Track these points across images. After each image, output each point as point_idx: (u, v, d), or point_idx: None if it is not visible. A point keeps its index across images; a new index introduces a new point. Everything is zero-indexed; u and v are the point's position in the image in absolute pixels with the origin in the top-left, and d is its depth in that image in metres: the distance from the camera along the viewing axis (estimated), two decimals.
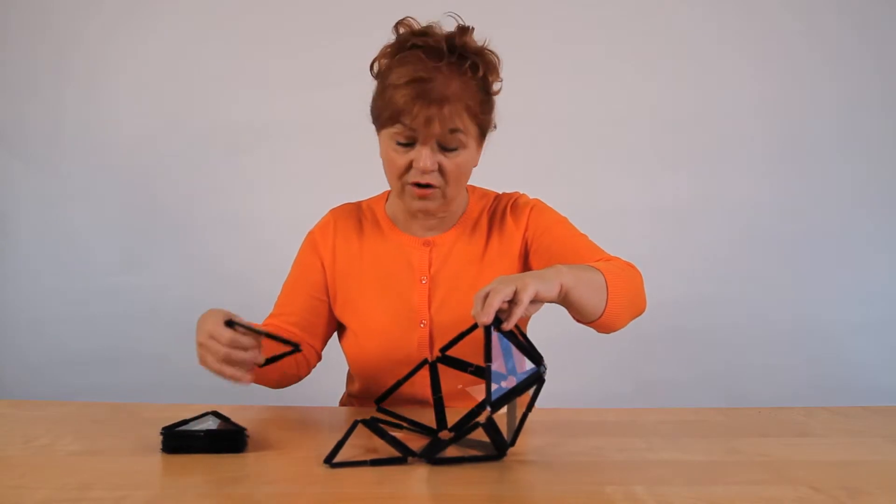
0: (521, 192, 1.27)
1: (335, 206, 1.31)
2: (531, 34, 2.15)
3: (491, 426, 0.86)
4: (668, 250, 2.20)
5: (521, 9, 2.18)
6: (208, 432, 0.92)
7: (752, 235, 2.23)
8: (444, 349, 0.97)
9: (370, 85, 1.14)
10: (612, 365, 2.18)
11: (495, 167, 1.23)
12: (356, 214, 1.27)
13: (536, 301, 0.88)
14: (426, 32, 1.08)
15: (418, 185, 1.10)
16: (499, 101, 1.15)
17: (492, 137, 1.16)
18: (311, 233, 1.28)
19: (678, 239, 2.22)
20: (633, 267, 1.10)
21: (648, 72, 2.21)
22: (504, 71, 1.13)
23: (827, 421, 1.12)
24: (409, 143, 1.08)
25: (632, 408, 1.19)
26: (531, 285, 0.86)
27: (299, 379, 1.24)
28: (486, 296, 0.85)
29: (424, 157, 1.06)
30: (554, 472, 0.86)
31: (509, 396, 0.84)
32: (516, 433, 0.90)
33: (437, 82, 1.03)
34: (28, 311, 2.24)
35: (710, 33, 2.22)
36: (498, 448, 0.90)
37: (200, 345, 0.95)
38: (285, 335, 1.16)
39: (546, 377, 0.87)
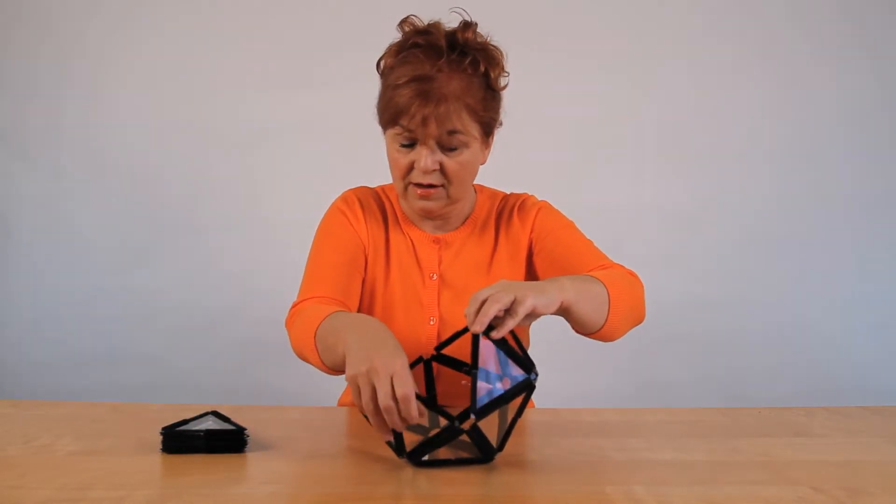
0: (530, 194, 1.26)
1: (353, 188, 1.25)
2: (535, 34, 2.15)
3: (476, 433, 0.84)
4: (669, 251, 2.20)
5: (524, 8, 2.18)
6: (208, 432, 0.92)
7: (752, 236, 2.23)
8: (439, 347, 0.96)
9: (373, 85, 1.13)
10: (613, 365, 2.18)
11: (499, 168, 1.22)
12: (376, 200, 1.23)
13: (533, 315, 0.87)
14: (428, 30, 1.06)
15: (421, 185, 1.09)
16: (504, 101, 1.13)
17: (497, 138, 1.15)
18: (336, 207, 1.21)
19: (680, 239, 2.22)
20: (635, 276, 1.09)
21: (651, 72, 2.21)
22: (509, 70, 1.12)
23: (827, 421, 1.11)
24: (411, 144, 1.07)
25: (632, 408, 1.19)
26: (530, 299, 0.84)
27: None
28: (483, 301, 0.84)
29: (424, 157, 1.06)
30: (554, 472, 0.86)
31: (497, 404, 0.83)
32: (505, 438, 0.89)
33: (436, 81, 1.02)
34: (28, 311, 2.24)
35: (712, 34, 2.22)
36: (485, 453, 0.88)
37: (373, 390, 0.81)
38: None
39: (543, 380, 0.86)
